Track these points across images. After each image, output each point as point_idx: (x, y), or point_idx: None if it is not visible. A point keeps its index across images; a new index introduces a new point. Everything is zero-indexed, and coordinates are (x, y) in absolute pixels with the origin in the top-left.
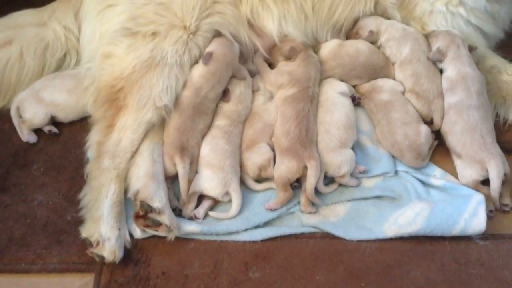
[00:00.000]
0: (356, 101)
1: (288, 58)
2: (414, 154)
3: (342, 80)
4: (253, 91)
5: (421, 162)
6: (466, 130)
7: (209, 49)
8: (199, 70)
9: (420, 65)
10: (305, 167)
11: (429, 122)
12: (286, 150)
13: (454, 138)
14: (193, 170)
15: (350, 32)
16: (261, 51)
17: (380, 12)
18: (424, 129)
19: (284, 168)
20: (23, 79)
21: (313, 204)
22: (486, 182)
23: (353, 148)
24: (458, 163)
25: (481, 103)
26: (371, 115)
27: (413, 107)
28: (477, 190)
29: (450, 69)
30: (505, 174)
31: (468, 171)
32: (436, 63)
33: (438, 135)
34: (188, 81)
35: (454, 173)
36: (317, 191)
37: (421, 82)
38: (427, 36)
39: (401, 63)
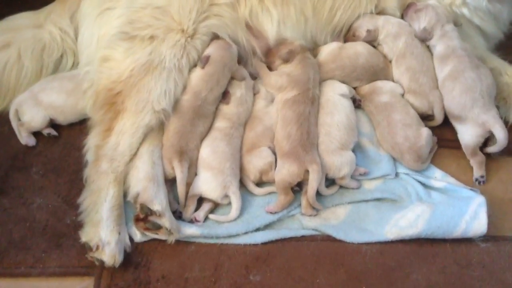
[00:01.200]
0: (356, 103)
1: (286, 60)
2: (414, 156)
3: (342, 82)
4: (254, 94)
5: (421, 165)
6: (464, 91)
7: (206, 52)
8: (196, 74)
9: (413, 59)
10: (307, 171)
11: (430, 120)
12: (288, 153)
13: (453, 102)
14: (192, 173)
15: (346, 36)
16: (258, 53)
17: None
18: (426, 132)
19: (285, 172)
20: (21, 81)
21: (313, 207)
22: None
23: (353, 150)
24: (458, 128)
25: (475, 65)
26: (371, 117)
27: (413, 110)
28: (474, 155)
29: (439, 46)
30: None
31: (468, 136)
32: (424, 42)
33: (439, 139)
34: (187, 85)
35: (455, 175)
36: (317, 193)
37: (416, 76)
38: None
39: (396, 58)
